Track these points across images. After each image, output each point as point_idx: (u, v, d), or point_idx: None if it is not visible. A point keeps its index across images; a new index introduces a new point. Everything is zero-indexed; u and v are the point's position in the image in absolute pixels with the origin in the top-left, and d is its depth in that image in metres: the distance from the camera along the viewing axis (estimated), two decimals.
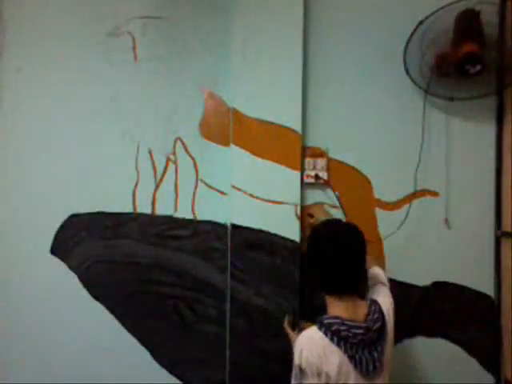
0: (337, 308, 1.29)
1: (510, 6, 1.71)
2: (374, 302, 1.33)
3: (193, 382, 1.87)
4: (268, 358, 1.75)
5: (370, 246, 1.79)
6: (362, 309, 1.30)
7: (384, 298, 1.38)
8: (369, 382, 1.24)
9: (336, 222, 1.40)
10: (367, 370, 1.23)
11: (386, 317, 1.32)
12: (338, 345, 1.22)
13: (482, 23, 1.62)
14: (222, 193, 1.84)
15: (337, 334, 1.23)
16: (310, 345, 1.23)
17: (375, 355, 1.25)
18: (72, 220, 1.86)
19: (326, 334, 1.23)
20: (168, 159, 1.86)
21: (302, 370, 1.24)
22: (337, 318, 1.26)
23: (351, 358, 1.22)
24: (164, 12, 1.83)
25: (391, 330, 1.33)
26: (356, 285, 1.31)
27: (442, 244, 1.80)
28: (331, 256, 1.27)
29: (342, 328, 1.23)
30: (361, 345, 1.23)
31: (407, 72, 1.75)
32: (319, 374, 1.21)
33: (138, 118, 1.70)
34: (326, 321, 1.26)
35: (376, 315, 1.29)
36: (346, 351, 1.22)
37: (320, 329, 1.25)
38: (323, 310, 1.30)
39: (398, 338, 1.82)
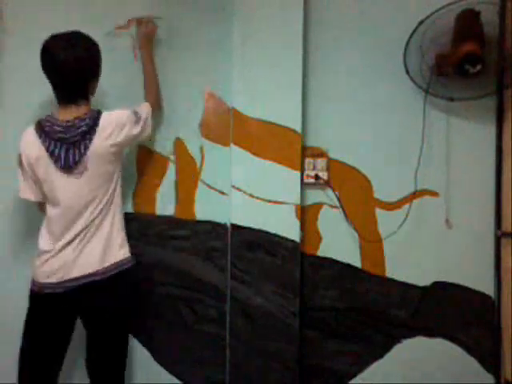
0: (57, 111, 1.48)
1: (510, 5, 1.70)
2: (97, 113, 1.47)
3: (193, 382, 1.87)
4: (268, 358, 1.75)
5: (370, 246, 1.82)
6: (75, 113, 1.45)
7: (111, 116, 1.49)
8: (70, 177, 1.44)
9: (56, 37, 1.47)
10: (64, 164, 1.42)
11: (100, 126, 1.45)
12: (40, 137, 1.44)
13: (481, 23, 1.63)
14: (222, 193, 1.84)
15: (41, 128, 1.45)
16: (24, 137, 1.48)
17: (72, 153, 1.42)
18: None
19: (35, 129, 1.47)
20: (168, 159, 1.86)
21: (21, 162, 1.49)
22: (49, 116, 1.47)
23: (51, 153, 1.42)
24: (164, 12, 1.83)
25: (108, 141, 1.45)
26: (73, 96, 1.47)
27: (442, 244, 1.80)
28: (47, 70, 1.46)
29: (47, 124, 1.44)
30: (60, 141, 1.42)
31: (407, 72, 1.75)
32: (26, 164, 1.48)
33: None
34: (41, 118, 1.48)
35: (86, 122, 1.43)
36: (44, 144, 1.43)
37: (34, 125, 1.48)
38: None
39: (398, 337, 1.82)
